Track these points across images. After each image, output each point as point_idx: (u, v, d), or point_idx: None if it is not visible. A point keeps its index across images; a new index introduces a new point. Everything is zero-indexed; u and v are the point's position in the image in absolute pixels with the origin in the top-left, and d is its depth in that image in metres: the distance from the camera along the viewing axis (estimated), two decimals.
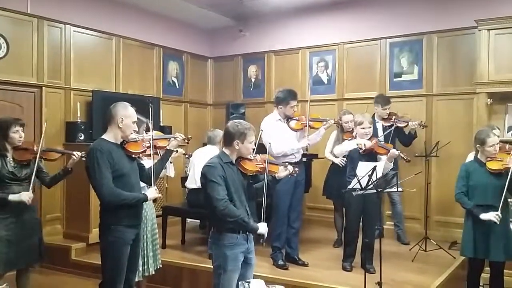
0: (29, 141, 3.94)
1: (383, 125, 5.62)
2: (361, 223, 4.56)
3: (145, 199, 3.25)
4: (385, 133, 5.22)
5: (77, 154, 3.85)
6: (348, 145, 4.56)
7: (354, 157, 4.43)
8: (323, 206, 6.45)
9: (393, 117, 5.65)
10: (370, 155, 4.35)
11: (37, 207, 4.19)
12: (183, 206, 5.51)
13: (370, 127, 4.49)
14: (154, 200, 3.35)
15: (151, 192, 3.27)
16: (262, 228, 3.09)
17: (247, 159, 3.20)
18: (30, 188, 3.70)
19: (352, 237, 4.56)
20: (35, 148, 3.79)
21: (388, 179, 3.81)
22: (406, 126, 5.64)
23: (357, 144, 4.38)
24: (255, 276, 3.33)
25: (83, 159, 3.62)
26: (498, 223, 3.70)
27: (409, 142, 5.68)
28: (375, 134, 5.40)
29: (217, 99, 8.09)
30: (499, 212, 3.70)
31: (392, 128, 5.34)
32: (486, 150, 3.87)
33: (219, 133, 5.26)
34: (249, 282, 3.11)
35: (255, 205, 4.63)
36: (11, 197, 3.61)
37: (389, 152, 4.37)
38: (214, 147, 5.16)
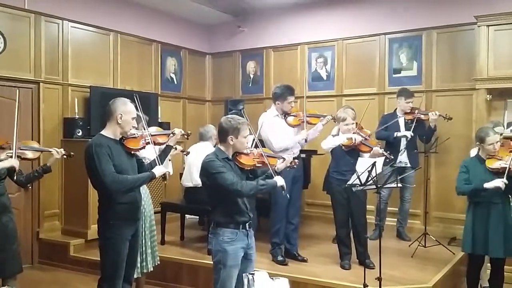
0: (2, 138, 3.63)
1: (405, 120, 5.46)
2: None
3: (152, 176, 3.20)
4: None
5: (58, 151, 3.65)
6: (338, 139, 4.39)
7: (337, 153, 4.43)
8: (322, 202, 6.45)
9: (416, 111, 5.42)
10: (353, 152, 4.34)
11: (13, 209, 3.88)
12: (182, 203, 5.49)
13: (353, 123, 4.41)
14: (164, 178, 3.27)
15: (158, 169, 3.21)
16: (279, 180, 3.10)
17: (244, 154, 3.18)
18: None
19: (343, 234, 4.52)
20: (11, 146, 3.52)
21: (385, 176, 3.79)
22: (428, 119, 5.41)
23: (347, 139, 4.31)
24: None
25: (65, 157, 3.58)
26: (503, 188, 3.64)
27: (429, 137, 5.45)
28: (397, 129, 5.42)
29: (215, 95, 8.06)
30: (504, 179, 3.63)
31: (414, 122, 5.23)
32: (486, 148, 3.87)
33: (211, 128, 5.25)
34: (253, 274, 3.11)
35: (254, 201, 4.65)
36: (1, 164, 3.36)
37: (372, 150, 4.33)
38: (207, 143, 5.13)
